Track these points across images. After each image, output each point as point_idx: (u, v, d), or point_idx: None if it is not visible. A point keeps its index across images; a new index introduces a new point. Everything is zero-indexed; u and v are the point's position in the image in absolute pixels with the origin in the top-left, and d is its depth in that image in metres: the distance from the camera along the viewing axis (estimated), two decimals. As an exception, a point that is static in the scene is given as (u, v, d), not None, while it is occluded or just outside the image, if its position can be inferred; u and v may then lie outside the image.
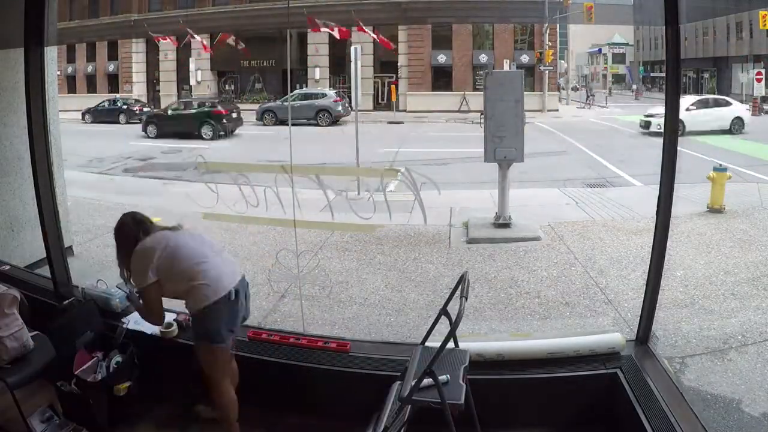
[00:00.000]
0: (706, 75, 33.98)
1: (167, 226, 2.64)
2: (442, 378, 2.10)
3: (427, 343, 2.38)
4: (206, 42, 23.13)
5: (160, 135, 15.87)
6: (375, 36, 12.24)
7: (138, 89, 26.86)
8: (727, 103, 16.14)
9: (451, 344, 2.19)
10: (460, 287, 2.24)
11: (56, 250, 3.39)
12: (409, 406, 2.17)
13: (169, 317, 3.14)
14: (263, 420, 2.77)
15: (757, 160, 11.40)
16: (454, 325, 2.12)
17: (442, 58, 25.13)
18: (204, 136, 15.43)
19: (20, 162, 4.57)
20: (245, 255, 5.99)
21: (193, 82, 24.28)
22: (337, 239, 6.40)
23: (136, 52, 26.83)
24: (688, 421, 2.27)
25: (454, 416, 2.05)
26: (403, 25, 24.49)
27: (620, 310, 4.55)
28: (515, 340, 2.97)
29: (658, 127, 13.98)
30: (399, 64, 24.52)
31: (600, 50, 47.00)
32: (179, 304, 2.58)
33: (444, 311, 2.32)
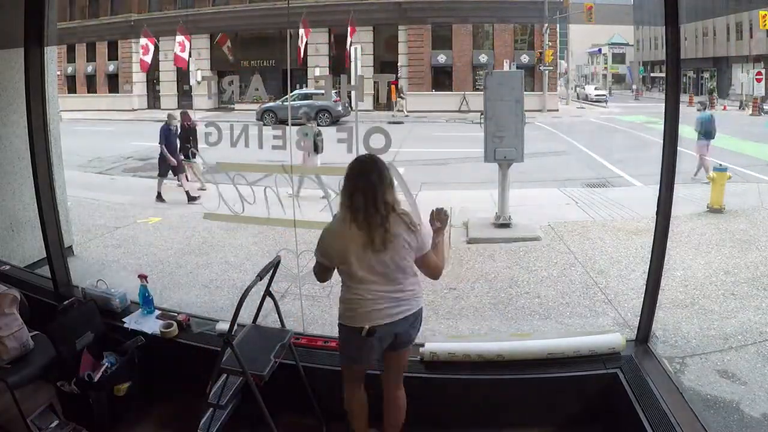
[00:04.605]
0: (706, 75, 34.03)
1: None
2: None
3: (257, 322, 2.69)
4: (205, 42, 23.11)
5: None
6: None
7: (138, 89, 26.89)
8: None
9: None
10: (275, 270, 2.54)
11: (56, 250, 3.39)
12: (239, 381, 2.44)
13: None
14: (262, 419, 2.76)
15: (757, 160, 11.40)
16: (277, 305, 2.60)
17: (442, 58, 25.14)
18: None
19: (20, 162, 4.57)
20: (245, 255, 6.00)
21: (192, 82, 24.25)
22: (337, 239, 6.39)
23: (136, 52, 26.79)
24: (688, 421, 2.26)
25: (259, 387, 2.26)
26: (403, 25, 24.50)
27: (620, 310, 4.55)
28: (515, 340, 2.97)
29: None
30: (399, 64, 24.52)
31: (600, 50, 47.10)
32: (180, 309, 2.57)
33: (268, 293, 2.55)
